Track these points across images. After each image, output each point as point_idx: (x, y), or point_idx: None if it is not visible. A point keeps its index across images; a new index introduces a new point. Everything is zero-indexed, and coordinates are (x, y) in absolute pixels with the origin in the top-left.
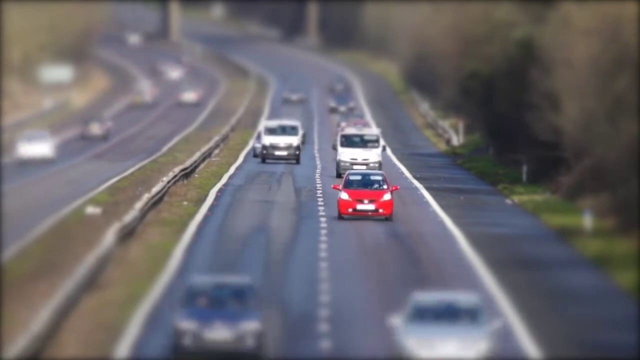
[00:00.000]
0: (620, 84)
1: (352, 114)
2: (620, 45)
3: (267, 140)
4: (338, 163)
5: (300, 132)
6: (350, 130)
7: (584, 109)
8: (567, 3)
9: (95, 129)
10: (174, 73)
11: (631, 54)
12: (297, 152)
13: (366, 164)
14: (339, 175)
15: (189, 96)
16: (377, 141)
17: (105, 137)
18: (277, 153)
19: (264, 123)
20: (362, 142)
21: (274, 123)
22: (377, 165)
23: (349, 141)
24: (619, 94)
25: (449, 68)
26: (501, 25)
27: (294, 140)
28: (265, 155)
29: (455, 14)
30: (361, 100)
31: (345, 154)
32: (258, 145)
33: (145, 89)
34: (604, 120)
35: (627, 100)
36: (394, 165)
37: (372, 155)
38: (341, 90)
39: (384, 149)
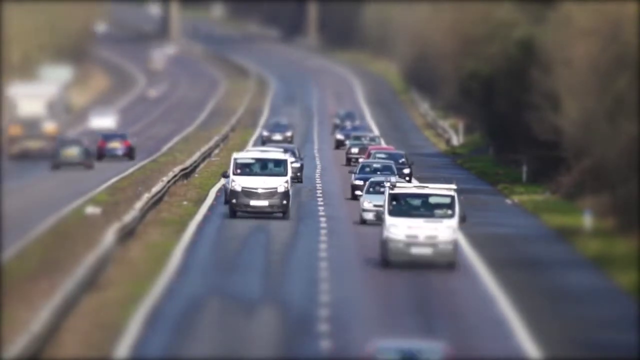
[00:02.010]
0: (620, 83)
1: (360, 128)
2: (620, 45)
3: (238, 182)
4: (385, 243)
5: (292, 147)
6: (407, 188)
7: (584, 109)
8: (567, 3)
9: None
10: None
11: (631, 54)
12: (285, 201)
13: (433, 245)
14: (385, 263)
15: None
16: (451, 205)
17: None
18: (254, 203)
19: (234, 155)
20: (426, 207)
21: (247, 156)
22: (450, 248)
23: (404, 206)
24: (619, 94)
25: (449, 68)
26: (501, 25)
27: (280, 182)
28: (235, 207)
29: (455, 14)
30: (361, 100)
31: (398, 229)
32: (228, 186)
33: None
34: (604, 120)
35: (627, 100)
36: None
37: (443, 230)
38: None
39: (463, 219)
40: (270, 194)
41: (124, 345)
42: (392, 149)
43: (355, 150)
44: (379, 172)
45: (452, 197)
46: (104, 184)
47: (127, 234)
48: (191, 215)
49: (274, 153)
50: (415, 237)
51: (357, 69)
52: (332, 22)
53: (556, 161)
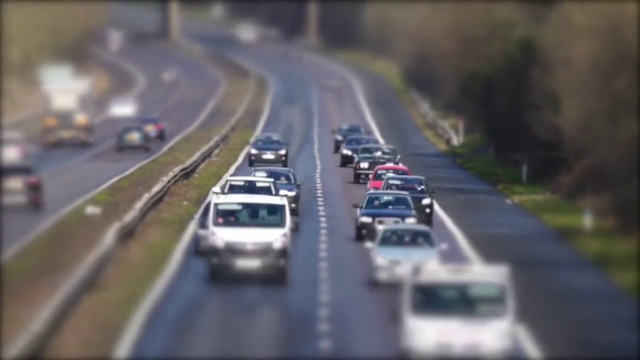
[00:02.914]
0: (620, 83)
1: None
2: (620, 45)
3: (220, 236)
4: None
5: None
6: (436, 274)
7: (584, 108)
8: (567, 3)
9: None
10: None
11: (631, 53)
12: (282, 261)
13: None
14: None
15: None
16: (501, 298)
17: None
18: (241, 264)
19: (212, 196)
20: (464, 301)
21: (233, 200)
22: None
23: (433, 300)
24: (619, 94)
25: (449, 68)
26: (501, 25)
27: (276, 236)
28: (216, 269)
29: (455, 14)
30: (361, 100)
31: (425, 335)
32: (202, 233)
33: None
34: (604, 120)
35: (627, 99)
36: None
37: (490, 336)
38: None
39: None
40: (263, 251)
41: (124, 345)
42: (405, 170)
43: (364, 165)
44: (390, 206)
45: (503, 288)
46: (104, 184)
47: (127, 234)
48: (191, 215)
49: (262, 197)
50: (449, 346)
51: (357, 69)
52: (332, 22)
53: (556, 161)
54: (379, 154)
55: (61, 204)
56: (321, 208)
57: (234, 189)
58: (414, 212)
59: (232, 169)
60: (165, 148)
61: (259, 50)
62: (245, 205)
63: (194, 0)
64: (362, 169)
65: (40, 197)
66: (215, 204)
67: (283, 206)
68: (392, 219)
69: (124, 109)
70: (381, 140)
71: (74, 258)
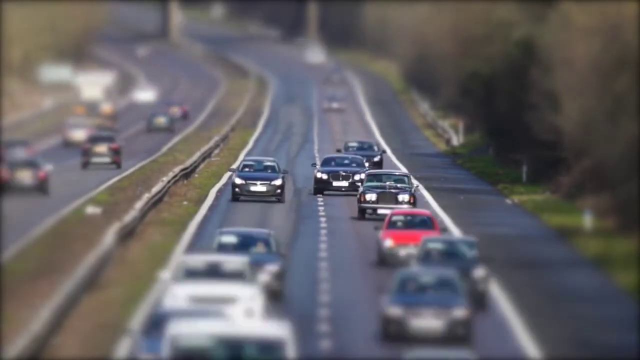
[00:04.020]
0: (620, 83)
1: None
2: (620, 45)
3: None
4: None
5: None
6: None
7: (584, 108)
8: (567, 3)
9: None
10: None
11: (631, 54)
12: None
13: None
14: None
15: (144, 95)
16: None
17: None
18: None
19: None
20: None
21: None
22: None
23: None
24: (619, 94)
25: (449, 68)
26: (501, 25)
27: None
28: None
29: (455, 14)
30: (361, 100)
31: None
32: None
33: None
34: (604, 120)
35: (627, 100)
36: (394, 165)
37: None
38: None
39: None
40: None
41: (124, 346)
42: (428, 215)
43: (372, 196)
44: (431, 291)
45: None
46: (104, 184)
47: (127, 234)
48: (191, 215)
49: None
50: None
51: (357, 69)
52: (332, 22)
53: (556, 161)
54: (389, 183)
55: (61, 204)
56: (321, 208)
57: (192, 275)
58: (463, 300)
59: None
60: (165, 148)
61: (319, 71)
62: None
63: (194, 0)
64: (369, 202)
65: (47, 188)
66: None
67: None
68: (432, 311)
69: (146, 94)
70: (380, 147)
71: (74, 258)
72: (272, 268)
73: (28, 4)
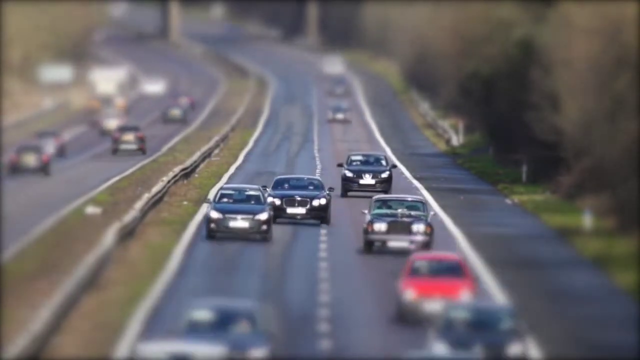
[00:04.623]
0: (620, 83)
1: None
2: (620, 45)
3: None
4: None
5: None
6: None
7: (584, 109)
8: (567, 3)
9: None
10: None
11: (631, 54)
12: None
13: None
14: None
15: (152, 87)
16: None
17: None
18: None
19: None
20: None
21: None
22: None
23: None
24: (619, 94)
25: (449, 68)
26: (501, 25)
27: None
28: None
29: (455, 14)
30: (361, 100)
31: None
32: None
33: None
34: (604, 120)
35: (627, 100)
36: (407, 183)
37: None
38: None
39: None
40: None
41: (124, 345)
42: (456, 260)
43: (381, 226)
44: None
45: None
46: (104, 184)
47: (127, 234)
48: (191, 215)
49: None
50: None
51: (357, 69)
52: (332, 22)
53: (556, 161)
54: (401, 210)
55: (61, 204)
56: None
57: None
58: None
59: (232, 169)
60: (165, 148)
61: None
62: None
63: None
64: (377, 234)
65: (49, 170)
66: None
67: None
68: None
69: (154, 86)
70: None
71: (74, 258)
72: (258, 354)
73: (28, 4)
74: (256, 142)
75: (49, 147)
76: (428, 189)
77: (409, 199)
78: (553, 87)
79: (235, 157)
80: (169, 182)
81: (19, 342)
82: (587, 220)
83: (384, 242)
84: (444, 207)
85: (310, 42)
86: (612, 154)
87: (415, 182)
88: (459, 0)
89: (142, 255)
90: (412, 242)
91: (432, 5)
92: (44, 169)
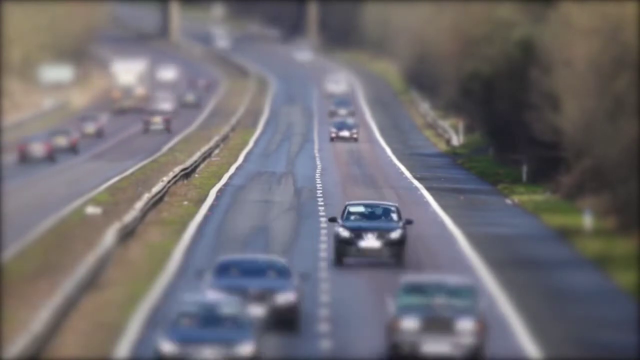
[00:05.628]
0: (620, 84)
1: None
2: (620, 45)
3: None
4: None
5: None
6: None
7: (584, 109)
8: (567, 3)
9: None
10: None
11: (631, 54)
12: None
13: None
14: None
15: (165, 74)
16: None
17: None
18: None
19: None
20: None
21: None
22: None
23: None
24: (619, 94)
25: (449, 68)
26: (501, 25)
27: None
28: None
29: (455, 14)
30: (361, 100)
31: None
32: None
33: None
34: (604, 120)
35: (627, 100)
36: (394, 165)
37: None
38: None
39: None
40: None
41: (124, 345)
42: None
43: (412, 324)
44: None
45: None
46: (104, 184)
47: (127, 234)
48: (191, 215)
49: None
50: None
51: (357, 69)
52: (332, 22)
53: (556, 161)
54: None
55: (61, 204)
56: (321, 208)
57: None
58: None
59: (232, 169)
60: (165, 148)
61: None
62: None
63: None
64: (406, 334)
65: (78, 150)
66: None
67: None
68: None
69: (167, 73)
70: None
71: (74, 258)
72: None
73: (28, 4)
74: (256, 142)
75: (90, 128)
76: (428, 189)
77: (450, 282)
78: (553, 87)
79: (236, 157)
80: (169, 182)
81: (19, 342)
82: (587, 221)
83: (414, 347)
84: (444, 207)
85: (311, 42)
86: (612, 154)
87: (415, 182)
88: (459, 0)
89: (142, 256)
90: (456, 345)
91: (432, 6)
92: (73, 149)
